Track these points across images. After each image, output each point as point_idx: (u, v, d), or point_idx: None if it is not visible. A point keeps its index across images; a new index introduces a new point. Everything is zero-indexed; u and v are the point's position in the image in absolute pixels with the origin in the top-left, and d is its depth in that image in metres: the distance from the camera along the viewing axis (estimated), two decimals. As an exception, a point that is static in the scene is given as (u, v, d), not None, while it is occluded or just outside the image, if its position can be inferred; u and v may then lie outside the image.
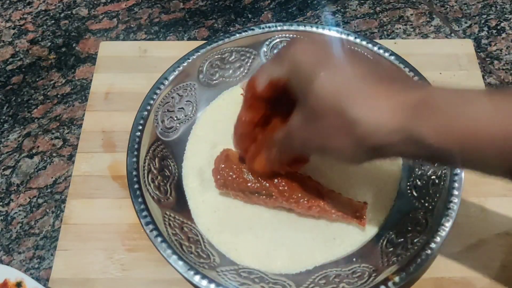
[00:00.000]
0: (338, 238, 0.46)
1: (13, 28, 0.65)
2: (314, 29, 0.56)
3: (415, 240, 0.43)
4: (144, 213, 0.44)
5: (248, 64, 0.57)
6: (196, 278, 0.41)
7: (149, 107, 0.50)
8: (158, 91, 0.51)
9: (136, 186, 0.45)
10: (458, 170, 0.46)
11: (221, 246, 0.46)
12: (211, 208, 0.48)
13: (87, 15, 0.66)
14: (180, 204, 0.48)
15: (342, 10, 0.67)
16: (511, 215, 0.48)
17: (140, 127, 0.49)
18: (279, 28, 0.56)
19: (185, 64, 0.53)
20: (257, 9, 0.67)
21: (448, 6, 0.68)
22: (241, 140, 0.44)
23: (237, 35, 0.56)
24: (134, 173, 0.46)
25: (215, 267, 0.43)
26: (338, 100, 0.32)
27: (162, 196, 0.47)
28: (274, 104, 0.40)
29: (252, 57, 0.57)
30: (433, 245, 0.42)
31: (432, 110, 0.29)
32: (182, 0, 0.68)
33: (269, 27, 0.56)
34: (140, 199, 0.44)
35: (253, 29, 0.56)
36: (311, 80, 0.33)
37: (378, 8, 0.68)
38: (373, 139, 0.31)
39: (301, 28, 0.56)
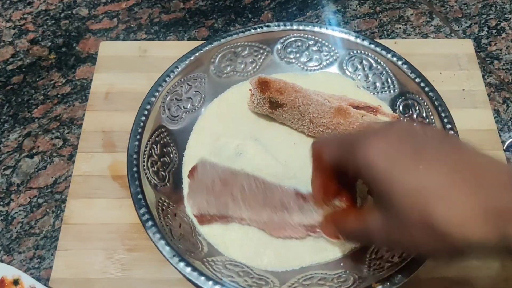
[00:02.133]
0: (330, 247, 0.45)
1: (14, 28, 0.65)
2: (329, 31, 0.56)
3: (403, 253, 0.42)
4: (139, 196, 0.44)
5: (261, 60, 0.57)
6: (180, 265, 0.41)
7: (157, 94, 0.51)
8: (167, 79, 0.52)
9: (134, 169, 0.46)
10: None
11: (210, 237, 0.46)
12: None
13: (87, 15, 0.66)
14: (176, 192, 0.48)
15: (342, 10, 0.67)
16: (511, 215, 0.48)
17: (146, 112, 0.49)
18: (294, 27, 0.56)
19: (197, 54, 0.54)
20: (257, 9, 0.67)
21: (448, 6, 0.68)
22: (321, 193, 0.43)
23: (252, 30, 0.56)
24: (135, 156, 0.46)
25: (202, 256, 0.43)
26: (423, 208, 0.30)
27: (159, 182, 0.47)
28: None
29: (265, 53, 0.57)
30: (419, 258, 0.41)
31: None
32: (182, 0, 0.68)
33: (285, 25, 0.56)
34: (136, 182, 0.45)
35: (268, 26, 0.56)
36: (388, 187, 0.31)
37: (378, 8, 0.68)
38: (466, 248, 0.30)
39: (317, 29, 0.56)
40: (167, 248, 0.42)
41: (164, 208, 0.45)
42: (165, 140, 0.50)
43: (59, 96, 0.59)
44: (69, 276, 0.45)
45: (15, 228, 0.49)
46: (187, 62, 0.53)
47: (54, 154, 0.54)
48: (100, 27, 0.65)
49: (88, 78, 0.60)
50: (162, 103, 0.51)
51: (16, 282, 0.43)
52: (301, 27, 0.56)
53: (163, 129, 0.51)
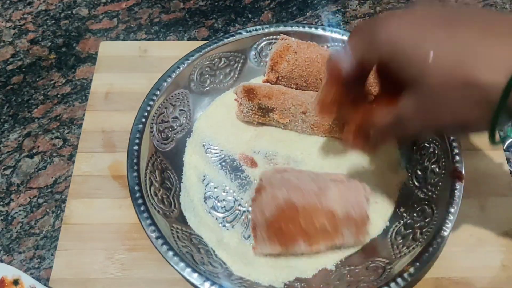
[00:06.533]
0: (345, 248, 0.46)
1: (14, 28, 0.65)
2: (300, 29, 0.56)
3: (424, 230, 0.43)
4: (152, 227, 0.43)
5: (238, 68, 0.56)
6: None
7: (144, 120, 0.50)
8: (151, 103, 0.51)
9: (140, 201, 0.44)
10: (457, 158, 0.46)
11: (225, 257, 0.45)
12: None
13: (87, 15, 0.66)
14: (184, 216, 0.48)
15: (342, 10, 0.67)
16: (511, 215, 0.48)
17: (137, 141, 0.48)
18: (266, 30, 0.56)
19: (175, 73, 0.53)
20: (257, 9, 0.67)
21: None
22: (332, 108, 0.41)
23: (225, 40, 0.55)
24: (137, 187, 0.45)
25: (229, 275, 0.43)
26: (464, 70, 0.30)
27: (167, 209, 0.46)
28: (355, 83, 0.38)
29: (241, 61, 0.56)
30: (443, 232, 0.42)
31: None
32: (182, 0, 0.68)
33: (256, 29, 0.56)
34: (145, 214, 0.44)
35: (240, 33, 0.55)
36: (422, 59, 0.31)
37: (378, 8, 0.68)
38: (503, 99, 0.29)
39: (288, 28, 0.56)
40: (195, 275, 0.41)
41: (178, 235, 0.44)
42: (161, 165, 0.49)
43: (59, 96, 0.59)
44: (69, 276, 0.45)
45: (15, 228, 0.49)
46: (166, 83, 0.52)
47: (54, 154, 0.54)
48: (100, 27, 0.65)
49: (88, 78, 0.60)
50: (151, 128, 0.50)
51: (16, 282, 0.43)
52: (272, 29, 0.56)
53: (157, 155, 0.49)
